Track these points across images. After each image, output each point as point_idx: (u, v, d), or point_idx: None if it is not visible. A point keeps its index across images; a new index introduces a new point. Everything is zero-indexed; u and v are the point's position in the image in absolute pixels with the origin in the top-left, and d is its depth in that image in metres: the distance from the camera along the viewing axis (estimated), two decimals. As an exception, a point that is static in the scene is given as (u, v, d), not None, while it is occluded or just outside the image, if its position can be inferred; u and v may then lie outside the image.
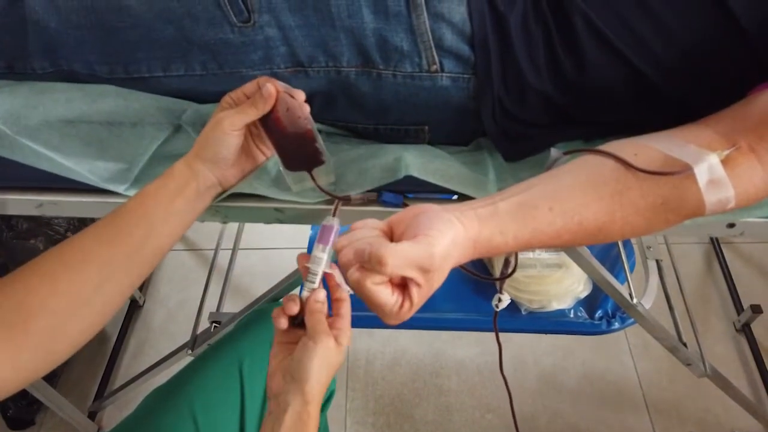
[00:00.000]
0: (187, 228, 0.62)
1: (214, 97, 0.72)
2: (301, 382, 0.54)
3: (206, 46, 0.68)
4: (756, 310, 1.41)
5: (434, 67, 0.66)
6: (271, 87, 0.58)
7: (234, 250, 1.46)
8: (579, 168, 0.55)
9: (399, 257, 0.44)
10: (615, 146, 0.56)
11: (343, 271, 0.48)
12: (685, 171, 0.52)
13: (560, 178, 0.55)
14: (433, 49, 0.65)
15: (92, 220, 0.60)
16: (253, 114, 0.59)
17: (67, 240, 0.56)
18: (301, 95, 0.60)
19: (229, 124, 0.59)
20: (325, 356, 0.55)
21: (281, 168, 0.64)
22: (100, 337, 1.52)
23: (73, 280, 0.54)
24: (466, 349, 1.46)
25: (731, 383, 1.18)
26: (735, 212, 0.61)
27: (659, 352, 1.42)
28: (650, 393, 1.39)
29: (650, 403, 1.38)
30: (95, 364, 1.46)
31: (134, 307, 1.56)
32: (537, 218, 0.51)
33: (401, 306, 0.47)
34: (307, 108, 0.60)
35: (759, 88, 0.60)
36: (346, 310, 0.59)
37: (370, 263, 0.44)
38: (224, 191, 0.64)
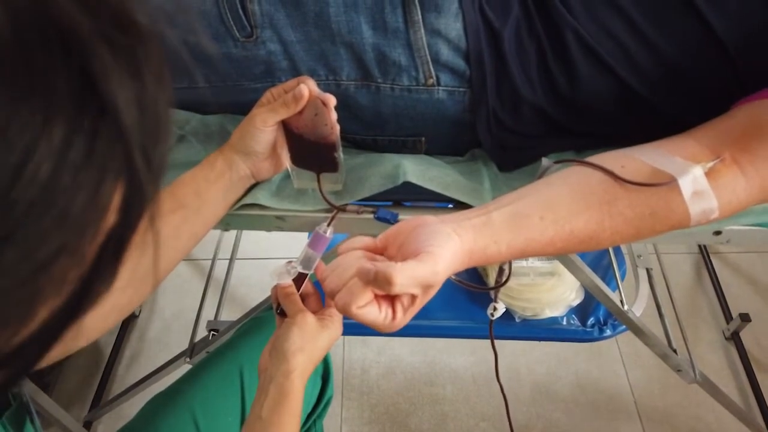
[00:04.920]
0: (220, 216, 0.65)
1: (217, 109, 0.74)
2: (284, 353, 0.58)
3: (210, 60, 0.69)
4: (745, 318, 1.44)
5: (431, 81, 0.68)
6: (305, 89, 0.59)
7: (231, 260, 1.47)
8: (569, 178, 0.57)
9: (406, 276, 0.44)
10: (603, 158, 0.58)
11: (329, 297, 0.50)
12: (670, 183, 0.54)
13: (551, 187, 0.57)
14: (430, 63, 0.67)
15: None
16: (283, 113, 0.60)
17: None
18: (331, 102, 0.60)
19: (261, 121, 0.61)
20: (304, 330, 0.60)
21: (287, 161, 0.66)
22: (95, 347, 1.52)
23: None
24: (461, 358, 1.47)
25: (721, 390, 1.20)
26: (721, 220, 0.63)
27: (651, 361, 1.44)
28: (642, 402, 1.41)
29: (642, 412, 1.39)
30: (90, 375, 1.46)
31: (129, 318, 1.56)
32: (529, 227, 0.53)
33: (393, 318, 0.48)
34: (334, 116, 0.61)
35: (742, 101, 0.62)
36: None
37: (376, 283, 0.44)
38: (257, 182, 0.68)
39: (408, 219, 0.52)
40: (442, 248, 0.47)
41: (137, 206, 0.22)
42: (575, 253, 0.64)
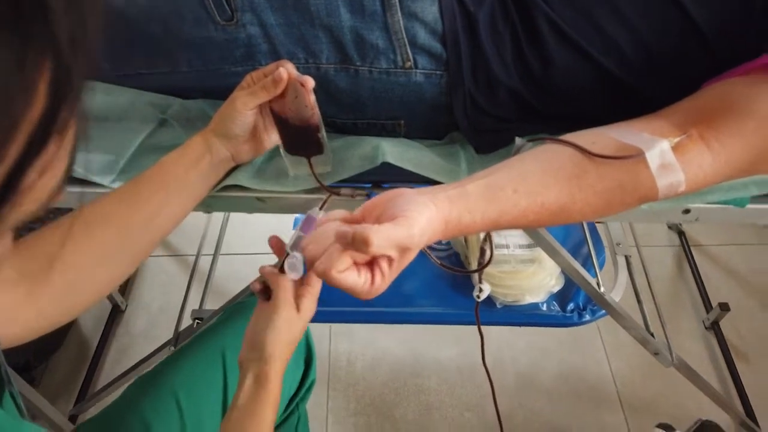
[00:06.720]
0: (200, 198, 0.66)
1: (200, 94, 0.75)
2: (261, 349, 0.59)
3: (191, 44, 0.71)
4: (724, 307, 1.46)
5: (408, 64, 0.70)
6: (283, 72, 0.60)
7: (215, 255, 1.48)
8: (541, 154, 0.59)
9: (382, 237, 0.46)
10: (575, 135, 0.60)
11: (309, 265, 0.51)
12: (637, 156, 0.56)
13: (524, 162, 0.59)
14: (407, 46, 0.69)
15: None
16: (263, 96, 0.62)
17: (90, 202, 0.61)
18: (309, 83, 0.62)
19: (242, 104, 0.62)
20: (284, 324, 0.60)
21: (281, 149, 0.67)
22: (81, 342, 1.52)
23: (94, 239, 0.58)
24: (446, 349, 1.49)
25: (698, 374, 1.22)
26: (688, 197, 0.65)
27: (633, 351, 1.46)
28: (624, 391, 1.43)
29: (624, 401, 1.41)
30: (76, 369, 1.46)
31: (116, 312, 1.56)
32: (503, 199, 0.55)
33: (372, 282, 0.49)
34: (313, 97, 0.62)
35: (710, 81, 0.65)
36: (315, 279, 0.63)
37: (354, 244, 0.45)
38: (237, 165, 0.69)
39: (386, 191, 0.54)
40: (419, 213, 0.48)
41: (63, 93, 0.21)
42: (549, 225, 0.65)
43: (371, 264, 0.49)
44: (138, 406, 0.71)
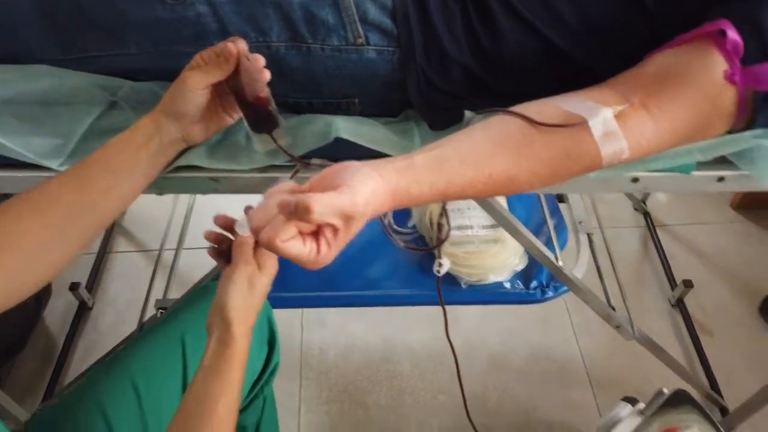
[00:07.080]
0: (150, 180, 0.65)
1: (150, 75, 0.74)
2: (222, 308, 0.59)
3: (140, 25, 0.70)
4: (688, 284, 1.50)
5: (360, 41, 0.70)
6: (232, 47, 0.60)
7: (179, 246, 1.46)
8: (489, 125, 0.60)
9: (324, 205, 0.46)
10: (524, 106, 0.61)
11: (255, 235, 0.50)
12: (581, 124, 0.57)
13: (472, 134, 0.59)
14: (358, 22, 0.69)
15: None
16: (216, 74, 0.61)
17: (36, 185, 0.59)
18: (258, 61, 0.62)
19: (194, 83, 0.62)
20: (245, 281, 0.60)
21: (247, 129, 0.67)
22: (48, 340, 1.49)
23: (40, 222, 0.57)
24: (417, 334, 1.49)
25: (661, 347, 1.25)
26: (635, 165, 0.66)
27: (600, 330, 1.48)
28: (593, 369, 1.45)
29: (593, 378, 1.44)
30: (43, 368, 1.43)
31: (83, 309, 1.54)
32: (450, 170, 0.55)
33: (318, 252, 0.49)
34: (265, 74, 0.62)
35: (653, 51, 0.66)
36: None
37: (296, 213, 0.45)
38: (188, 147, 0.68)
39: (333, 165, 0.54)
40: (363, 183, 0.49)
41: None
42: (498, 195, 0.66)
43: (316, 234, 0.49)
44: (95, 393, 0.71)
